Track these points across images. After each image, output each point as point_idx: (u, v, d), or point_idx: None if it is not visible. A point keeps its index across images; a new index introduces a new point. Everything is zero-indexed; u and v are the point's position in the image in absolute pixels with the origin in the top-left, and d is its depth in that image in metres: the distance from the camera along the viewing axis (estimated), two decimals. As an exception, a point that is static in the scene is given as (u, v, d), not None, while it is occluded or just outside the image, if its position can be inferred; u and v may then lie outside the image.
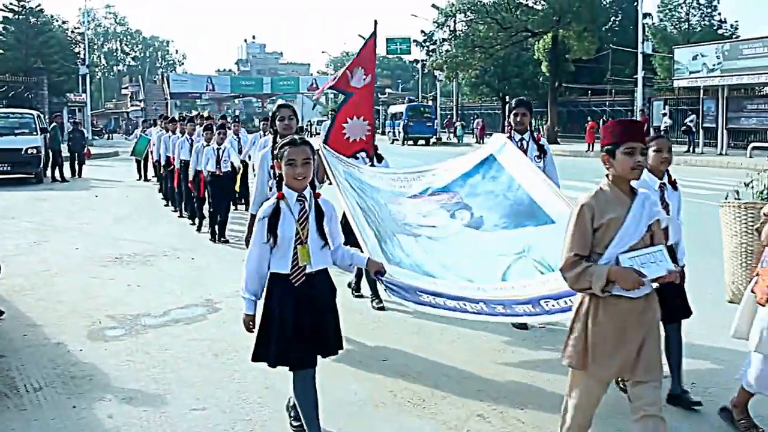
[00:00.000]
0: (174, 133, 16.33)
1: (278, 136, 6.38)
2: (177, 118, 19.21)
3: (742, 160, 28.12)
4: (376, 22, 8.32)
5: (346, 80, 8.05)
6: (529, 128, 7.62)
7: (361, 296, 8.56)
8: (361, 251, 5.68)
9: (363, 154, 8.12)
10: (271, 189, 6.16)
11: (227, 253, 11.44)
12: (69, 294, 8.88)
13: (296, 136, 4.61)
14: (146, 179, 23.60)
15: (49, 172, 24.53)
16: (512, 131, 7.56)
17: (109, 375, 6.10)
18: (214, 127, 12.83)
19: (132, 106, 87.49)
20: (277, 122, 6.54)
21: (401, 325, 7.53)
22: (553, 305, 4.95)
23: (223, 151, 12.57)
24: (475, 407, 5.36)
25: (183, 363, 6.41)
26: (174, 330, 7.40)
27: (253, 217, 5.79)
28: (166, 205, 17.08)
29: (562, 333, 6.85)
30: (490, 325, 6.97)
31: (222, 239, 12.37)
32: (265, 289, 4.66)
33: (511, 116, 7.72)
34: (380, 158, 8.44)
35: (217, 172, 12.42)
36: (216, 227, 12.52)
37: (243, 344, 6.81)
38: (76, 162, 25.33)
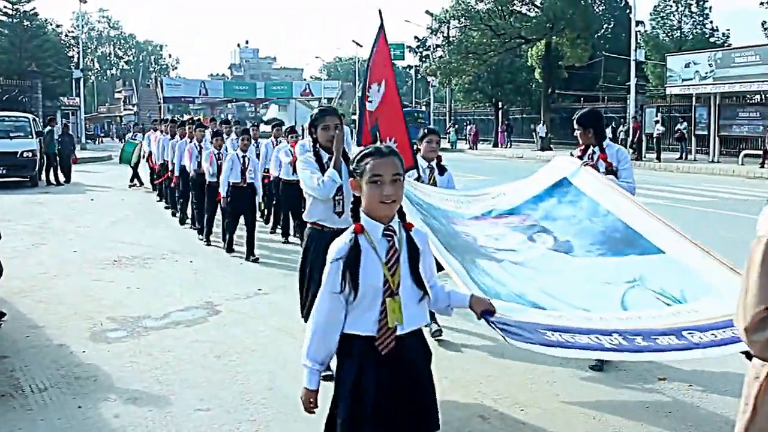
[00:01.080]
0: (171, 135, 16.09)
1: (320, 148, 5.78)
2: (175, 120, 18.53)
3: (734, 167, 28.31)
4: (381, 12, 7.00)
5: (367, 112, 6.89)
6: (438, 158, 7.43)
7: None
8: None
9: (422, 162, 7.29)
10: (340, 215, 5.63)
11: (225, 256, 11.48)
12: (69, 296, 8.91)
13: (381, 145, 3.43)
14: (141, 183, 22.77)
15: (44, 176, 24.48)
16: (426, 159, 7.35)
17: (112, 376, 6.13)
18: (233, 132, 12.52)
19: (125, 110, 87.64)
20: (320, 131, 5.73)
21: None
22: (700, 338, 4.01)
23: (249, 160, 11.36)
24: (475, 408, 5.42)
25: (186, 364, 6.44)
26: (175, 332, 7.44)
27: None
28: (167, 207, 16.90)
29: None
30: (489, 328, 7.05)
31: (253, 257, 11.10)
32: (335, 356, 3.46)
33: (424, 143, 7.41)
34: (442, 169, 7.42)
35: (242, 183, 11.19)
36: (227, 237, 11.76)
37: (245, 346, 6.95)
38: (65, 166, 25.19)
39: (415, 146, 7.37)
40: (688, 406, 5.46)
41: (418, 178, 7.05)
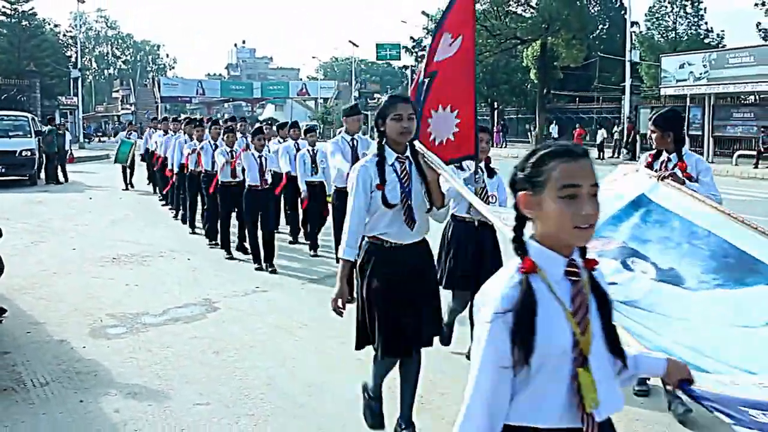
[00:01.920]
0: (172, 133, 15.99)
1: (387, 143, 4.61)
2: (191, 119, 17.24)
3: (727, 168, 28.43)
4: None
5: (430, 60, 5.33)
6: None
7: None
8: None
9: (469, 163, 5.81)
10: (412, 226, 4.58)
11: (223, 254, 11.52)
12: (69, 293, 8.99)
13: (567, 142, 2.35)
14: (132, 186, 22.10)
15: (43, 174, 24.58)
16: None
17: (112, 371, 6.21)
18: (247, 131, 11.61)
19: (123, 109, 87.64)
20: (389, 123, 4.54)
21: None
22: None
23: (266, 160, 10.45)
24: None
25: (184, 360, 6.52)
26: (174, 328, 7.52)
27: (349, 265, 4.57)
28: (171, 208, 16.41)
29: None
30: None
31: (271, 269, 10.27)
32: None
33: None
34: (492, 172, 6.46)
35: (260, 186, 10.35)
36: (242, 242, 11.40)
37: (243, 343, 7.03)
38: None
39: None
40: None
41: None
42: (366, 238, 4.66)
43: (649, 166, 5.67)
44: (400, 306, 4.56)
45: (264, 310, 8.27)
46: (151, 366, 6.36)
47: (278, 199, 11.85)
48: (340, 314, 4.52)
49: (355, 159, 8.13)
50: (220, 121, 15.81)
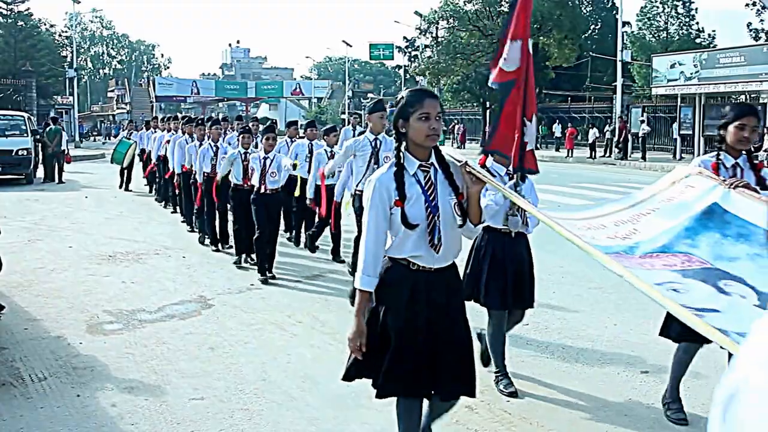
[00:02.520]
0: (170, 132, 15.77)
1: (407, 148, 3.83)
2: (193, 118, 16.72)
3: (718, 167, 28.59)
4: None
5: (500, 70, 5.30)
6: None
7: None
8: None
9: (499, 168, 5.71)
10: (438, 249, 3.81)
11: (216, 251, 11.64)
12: (66, 290, 9.08)
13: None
14: (128, 188, 21.40)
15: (40, 172, 24.67)
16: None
17: (109, 366, 6.29)
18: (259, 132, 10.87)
19: (118, 109, 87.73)
20: (413, 122, 3.74)
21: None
22: None
23: (272, 162, 9.80)
24: (463, 399, 5.56)
25: (180, 356, 6.61)
26: (170, 325, 7.61)
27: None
28: (174, 212, 16.06)
29: (546, 332, 7.13)
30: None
31: (270, 275, 9.74)
32: None
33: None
34: (523, 176, 5.81)
35: (264, 190, 9.76)
36: (246, 252, 10.57)
37: (237, 339, 7.12)
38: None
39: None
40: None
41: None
42: (386, 258, 3.91)
43: (715, 171, 4.89)
44: (415, 341, 3.84)
45: (258, 307, 8.37)
46: (147, 361, 6.45)
47: (285, 204, 11.26)
48: (360, 356, 3.87)
49: (375, 163, 8.09)
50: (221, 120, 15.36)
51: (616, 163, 32.45)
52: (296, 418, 5.26)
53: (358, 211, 8.01)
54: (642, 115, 36.33)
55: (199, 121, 13.20)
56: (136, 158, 21.61)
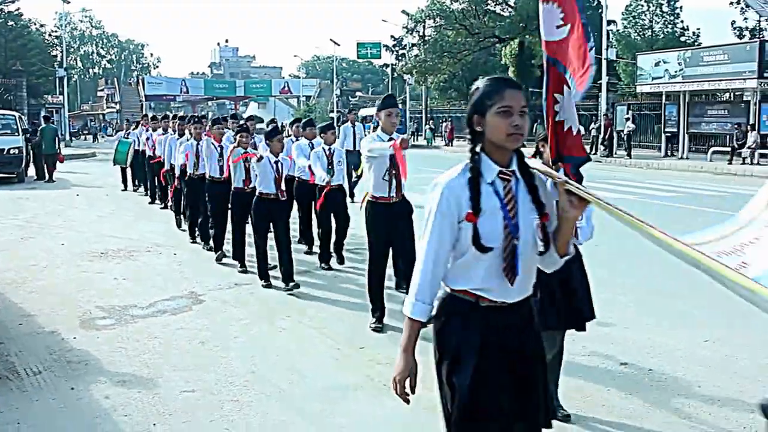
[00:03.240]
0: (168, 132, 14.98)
1: (483, 150, 3.07)
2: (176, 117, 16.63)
3: (702, 164, 28.91)
4: None
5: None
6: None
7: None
8: None
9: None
10: (513, 280, 3.01)
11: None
12: (59, 287, 9.24)
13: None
14: (135, 188, 20.90)
15: (31, 171, 24.78)
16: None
17: (102, 360, 6.45)
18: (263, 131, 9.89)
19: (108, 108, 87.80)
20: (491, 118, 3.00)
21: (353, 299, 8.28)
22: None
23: (282, 166, 9.30)
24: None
25: (171, 350, 6.78)
26: (161, 320, 7.78)
27: None
28: (164, 207, 16.23)
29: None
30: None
31: (293, 283, 8.98)
32: None
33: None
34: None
35: (276, 196, 9.16)
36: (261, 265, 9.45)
37: (227, 333, 7.29)
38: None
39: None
40: (647, 388, 5.79)
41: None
42: (446, 289, 3.12)
43: None
44: (493, 403, 3.04)
45: (247, 302, 8.54)
46: (140, 355, 6.61)
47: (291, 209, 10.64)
48: (407, 401, 3.09)
49: (392, 167, 7.38)
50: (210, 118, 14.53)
51: (602, 161, 32.67)
52: (284, 410, 5.42)
53: (371, 218, 7.48)
54: (627, 113, 36.57)
55: (196, 119, 12.76)
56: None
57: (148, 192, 18.36)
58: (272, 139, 9.33)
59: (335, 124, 16.35)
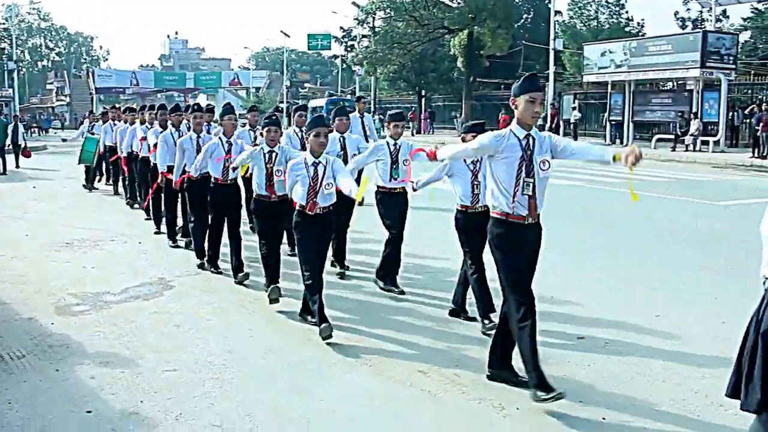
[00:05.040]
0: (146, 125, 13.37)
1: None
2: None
3: (647, 151, 29.32)
4: None
5: None
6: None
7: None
8: None
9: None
10: None
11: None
12: (30, 276, 9.34)
13: None
14: (108, 183, 19.16)
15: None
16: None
17: (83, 344, 6.64)
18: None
19: (58, 101, 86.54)
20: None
21: (349, 294, 8.40)
22: None
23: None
24: (416, 365, 6.05)
25: (148, 332, 7.00)
26: (135, 305, 7.98)
27: None
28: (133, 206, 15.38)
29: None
30: (429, 301, 7.88)
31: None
32: None
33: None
34: None
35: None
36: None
37: (200, 316, 7.56)
38: None
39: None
40: (605, 360, 6.21)
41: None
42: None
43: None
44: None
45: (217, 287, 8.77)
46: (118, 338, 6.81)
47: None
48: None
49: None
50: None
51: None
52: (263, 385, 5.70)
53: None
54: (573, 102, 37.30)
55: (174, 107, 12.23)
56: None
57: (127, 193, 15.88)
58: (223, 117, 8.98)
59: (287, 114, 15.15)
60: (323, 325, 6.66)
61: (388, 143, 8.48)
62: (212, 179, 9.03)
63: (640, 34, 53.98)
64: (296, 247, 7.23)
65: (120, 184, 17.31)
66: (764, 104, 28.53)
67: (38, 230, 12.79)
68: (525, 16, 58.67)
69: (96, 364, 6.12)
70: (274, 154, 7.97)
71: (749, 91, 33.77)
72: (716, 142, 29.23)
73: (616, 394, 5.47)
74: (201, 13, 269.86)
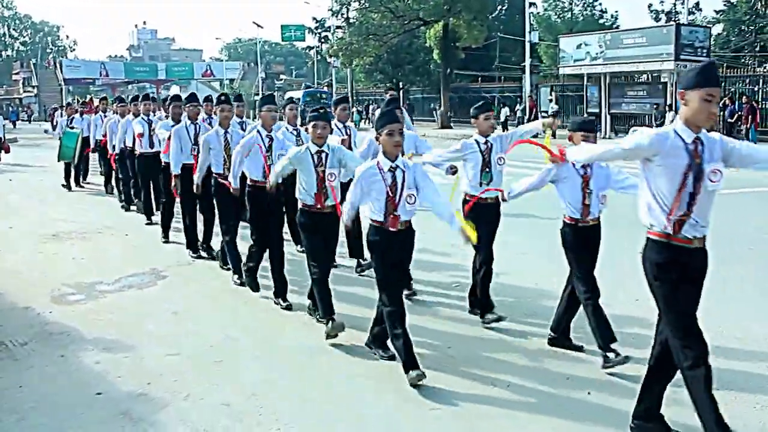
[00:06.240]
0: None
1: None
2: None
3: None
4: None
5: None
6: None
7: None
8: None
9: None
10: None
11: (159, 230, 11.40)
12: (21, 267, 9.44)
13: None
14: (82, 183, 18.22)
15: None
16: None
17: (83, 331, 6.78)
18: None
19: (25, 92, 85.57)
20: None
21: (342, 284, 8.32)
22: None
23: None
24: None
25: (146, 320, 7.15)
26: (130, 294, 8.13)
27: None
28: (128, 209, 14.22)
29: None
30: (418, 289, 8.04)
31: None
32: None
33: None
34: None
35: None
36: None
37: (195, 303, 7.75)
38: None
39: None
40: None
41: None
42: None
43: None
44: None
45: (208, 276, 8.94)
46: (117, 326, 6.96)
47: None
48: None
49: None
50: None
51: (527, 141, 33.48)
52: (263, 369, 5.90)
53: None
54: (550, 94, 37.60)
55: (175, 98, 11.25)
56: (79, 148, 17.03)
57: (122, 194, 14.49)
58: (262, 108, 7.90)
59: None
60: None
61: (477, 141, 7.08)
62: (248, 182, 7.82)
63: (615, 26, 54.54)
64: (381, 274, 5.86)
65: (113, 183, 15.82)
66: (745, 96, 28.96)
67: (22, 223, 12.78)
68: (499, 7, 58.90)
69: (99, 350, 6.27)
70: (324, 155, 6.66)
71: (723, 84, 34.19)
72: (690, 134, 29.46)
73: None
74: (170, 2, 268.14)
